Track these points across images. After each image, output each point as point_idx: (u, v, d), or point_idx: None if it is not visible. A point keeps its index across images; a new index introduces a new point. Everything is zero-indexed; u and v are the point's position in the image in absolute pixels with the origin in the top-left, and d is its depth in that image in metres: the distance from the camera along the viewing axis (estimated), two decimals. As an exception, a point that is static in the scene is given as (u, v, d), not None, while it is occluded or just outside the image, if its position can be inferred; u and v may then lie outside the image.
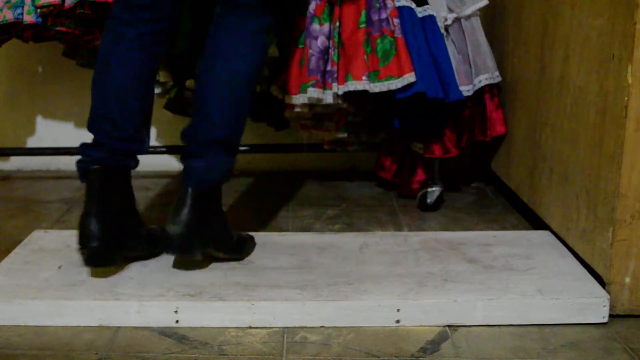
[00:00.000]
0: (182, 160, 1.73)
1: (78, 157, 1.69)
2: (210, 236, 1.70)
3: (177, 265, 1.72)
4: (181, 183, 1.70)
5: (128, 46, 1.67)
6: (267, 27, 1.74)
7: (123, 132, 1.67)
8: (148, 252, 1.75)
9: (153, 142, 2.67)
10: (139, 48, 1.67)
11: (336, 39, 2.11)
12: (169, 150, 2.62)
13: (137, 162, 1.73)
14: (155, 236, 1.77)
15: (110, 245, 1.64)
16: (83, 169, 1.66)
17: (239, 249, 1.78)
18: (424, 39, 2.12)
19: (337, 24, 2.11)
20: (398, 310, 1.57)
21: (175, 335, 1.53)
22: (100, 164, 1.65)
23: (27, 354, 1.45)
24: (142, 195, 2.41)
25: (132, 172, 2.64)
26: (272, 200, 2.39)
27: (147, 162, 2.66)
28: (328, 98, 2.13)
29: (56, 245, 1.86)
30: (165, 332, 1.54)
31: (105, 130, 1.66)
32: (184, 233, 1.65)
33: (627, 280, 1.60)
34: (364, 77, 2.08)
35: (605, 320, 1.59)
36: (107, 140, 1.66)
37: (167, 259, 1.77)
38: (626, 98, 1.53)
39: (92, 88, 1.70)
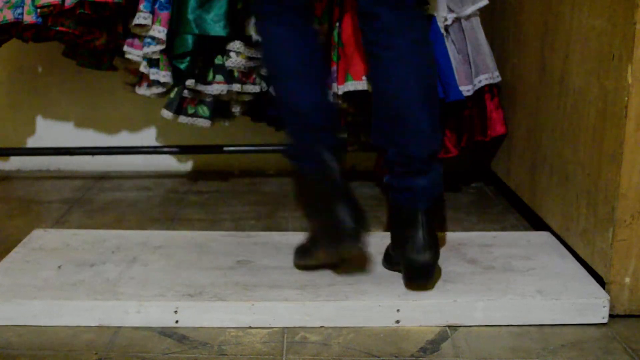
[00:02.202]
0: (398, 179, 1.63)
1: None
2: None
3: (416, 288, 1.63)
4: (402, 204, 1.62)
5: (299, 33, 1.64)
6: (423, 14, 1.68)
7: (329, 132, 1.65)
8: None
9: (153, 142, 2.67)
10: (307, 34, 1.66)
11: (336, 39, 2.11)
12: (169, 150, 2.62)
13: None
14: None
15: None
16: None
17: None
18: (424, 39, 2.12)
19: (337, 24, 2.11)
20: (398, 310, 1.57)
21: (175, 335, 1.53)
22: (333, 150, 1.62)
23: (27, 354, 1.45)
24: (143, 195, 2.41)
25: (133, 171, 2.67)
26: (272, 200, 2.39)
27: (147, 162, 2.68)
28: (328, 98, 2.12)
29: (56, 244, 1.86)
30: (165, 332, 1.54)
31: (317, 138, 1.63)
32: (433, 259, 1.60)
33: (627, 280, 1.60)
34: (363, 77, 2.08)
35: (605, 321, 1.59)
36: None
37: (168, 259, 1.77)
38: (626, 98, 1.53)
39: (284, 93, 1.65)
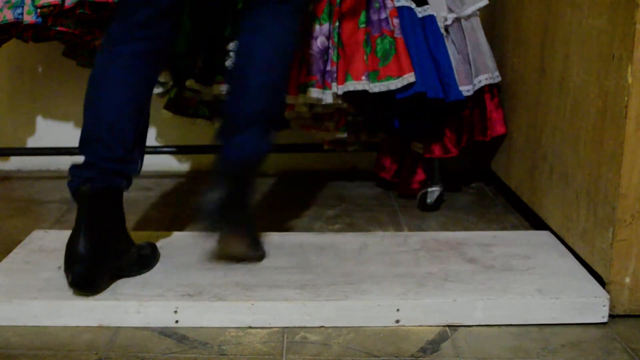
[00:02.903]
0: (218, 138, 1.72)
1: (76, 160, 1.66)
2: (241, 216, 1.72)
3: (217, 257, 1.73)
4: (215, 163, 1.71)
5: (123, 64, 1.63)
6: (299, 9, 1.75)
7: (113, 152, 1.62)
8: (138, 273, 1.69)
9: (153, 142, 2.67)
10: (133, 68, 1.63)
11: (336, 39, 2.11)
12: (169, 150, 2.62)
13: (129, 183, 1.67)
14: (145, 256, 1.73)
15: (96, 269, 1.59)
16: (73, 189, 1.61)
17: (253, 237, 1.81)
18: (424, 39, 2.12)
19: (337, 24, 2.11)
20: (398, 310, 1.57)
21: (175, 335, 1.53)
22: (90, 185, 1.59)
23: (27, 354, 1.45)
24: (143, 195, 2.41)
25: (132, 172, 2.66)
26: (272, 200, 2.39)
27: (147, 162, 2.65)
28: (328, 98, 2.13)
29: (56, 245, 1.85)
30: (165, 332, 1.54)
31: (95, 151, 1.62)
32: (216, 210, 1.65)
33: (627, 280, 1.60)
34: (363, 77, 2.08)
35: (605, 320, 1.59)
36: (97, 161, 1.61)
37: (167, 259, 1.77)
38: (626, 98, 1.53)
39: (84, 107, 1.66)
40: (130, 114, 1.65)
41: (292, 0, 1.71)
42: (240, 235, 1.74)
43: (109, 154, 1.62)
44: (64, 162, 2.66)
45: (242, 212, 1.72)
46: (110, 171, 1.62)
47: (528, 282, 1.66)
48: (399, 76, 2.07)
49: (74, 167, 1.64)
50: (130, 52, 1.63)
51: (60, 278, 1.66)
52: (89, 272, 1.58)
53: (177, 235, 1.95)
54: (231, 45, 2.16)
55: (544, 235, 1.94)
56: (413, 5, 2.12)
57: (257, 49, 1.70)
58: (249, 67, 1.70)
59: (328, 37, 2.11)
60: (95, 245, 1.58)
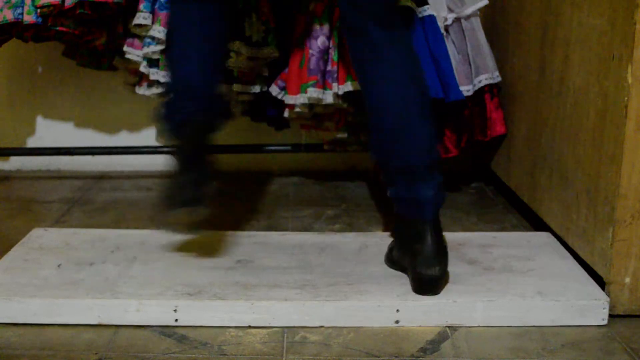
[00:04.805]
0: (403, 190, 1.64)
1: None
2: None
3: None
4: (410, 216, 1.62)
5: (197, 21, 1.71)
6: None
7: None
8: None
9: (153, 142, 2.67)
10: (207, 22, 1.72)
11: (336, 39, 2.11)
12: (169, 150, 2.61)
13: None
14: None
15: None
16: (177, 121, 1.72)
17: None
18: (424, 39, 2.12)
19: (337, 24, 2.10)
20: (397, 310, 1.57)
21: (175, 335, 1.53)
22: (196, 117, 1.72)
23: (27, 354, 1.45)
24: (143, 195, 2.41)
25: (133, 172, 2.67)
26: (272, 200, 2.39)
27: (147, 162, 2.68)
28: (328, 98, 2.13)
29: (55, 243, 1.86)
30: (165, 332, 1.54)
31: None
32: (442, 272, 1.60)
33: (627, 280, 1.60)
34: (364, 77, 2.08)
35: (605, 322, 1.58)
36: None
37: (167, 259, 1.77)
38: (626, 98, 1.53)
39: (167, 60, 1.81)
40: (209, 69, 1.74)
41: (405, 29, 1.70)
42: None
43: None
44: (64, 162, 2.67)
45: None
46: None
47: (528, 283, 1.66)
48: (399, 76, 2.07)
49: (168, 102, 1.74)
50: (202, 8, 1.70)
51: (59, 276, 1.66)
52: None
53: (176, 234, 1.95)
54: (231, 45, 2.16)
55: (544, 236, 1.94)
56: (413, 6, 2.12)
57: (411, 101, 1.63)
58: (409, 120, 1.63)
59: (328, 37, 2.11)
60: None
